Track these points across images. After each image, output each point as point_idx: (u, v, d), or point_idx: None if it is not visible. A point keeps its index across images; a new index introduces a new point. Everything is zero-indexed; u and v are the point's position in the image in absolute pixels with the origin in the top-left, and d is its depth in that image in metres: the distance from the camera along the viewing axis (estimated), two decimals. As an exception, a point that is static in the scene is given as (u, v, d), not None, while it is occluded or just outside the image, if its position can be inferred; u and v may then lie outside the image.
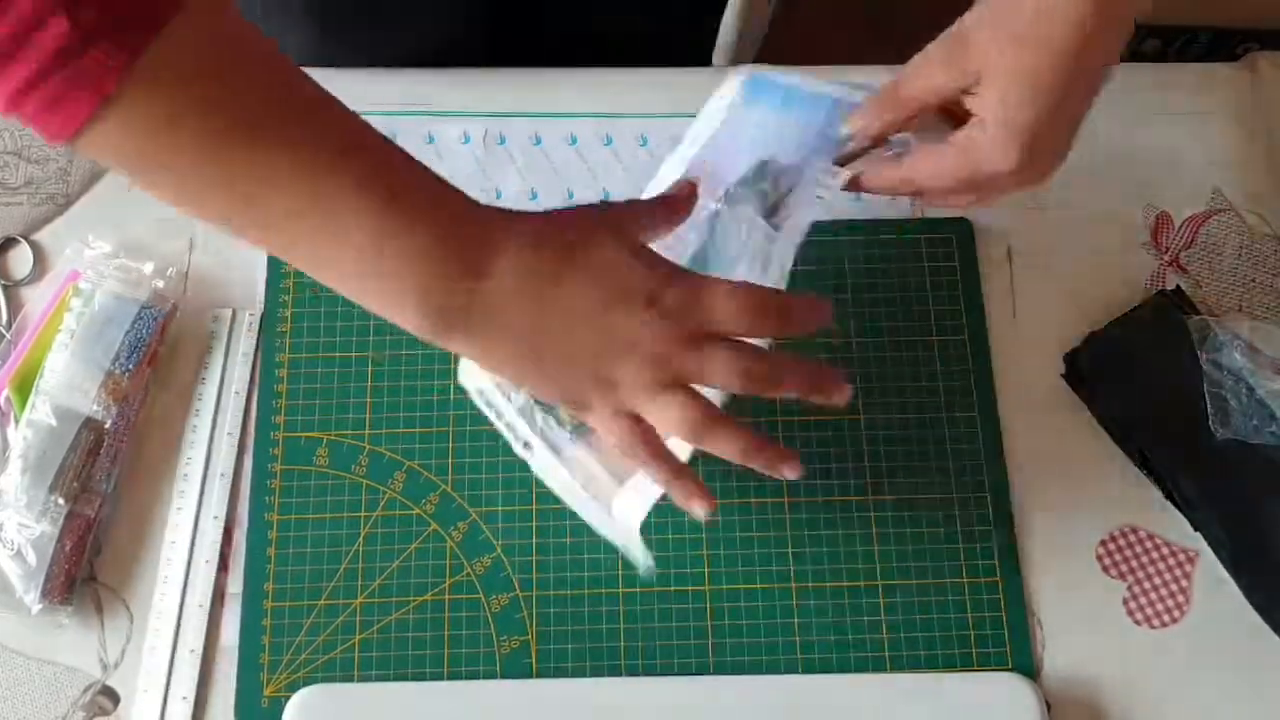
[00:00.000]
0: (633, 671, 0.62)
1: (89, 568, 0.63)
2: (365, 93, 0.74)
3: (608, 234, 0.50)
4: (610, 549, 0.64)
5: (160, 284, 0.67)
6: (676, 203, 0.55)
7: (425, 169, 0.50)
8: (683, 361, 0.49)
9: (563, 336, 0.49)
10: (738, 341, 0.51)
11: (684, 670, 0.62)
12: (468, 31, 0.79)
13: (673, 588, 0.64)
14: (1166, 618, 0.64)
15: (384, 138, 0.49)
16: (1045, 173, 0.54)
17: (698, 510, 0.52)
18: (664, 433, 0.52)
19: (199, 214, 0.46)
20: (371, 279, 0.48)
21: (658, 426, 0.51)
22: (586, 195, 0.73)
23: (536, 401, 0.58)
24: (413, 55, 0.75)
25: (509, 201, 0.72)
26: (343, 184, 0.46)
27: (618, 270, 0.50)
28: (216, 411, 0.67)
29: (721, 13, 0.79)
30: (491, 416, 0.60)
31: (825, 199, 0.57)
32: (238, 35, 0.45)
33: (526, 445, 0.58)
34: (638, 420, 0.51)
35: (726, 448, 0.51)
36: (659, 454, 0.52)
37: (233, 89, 0.43)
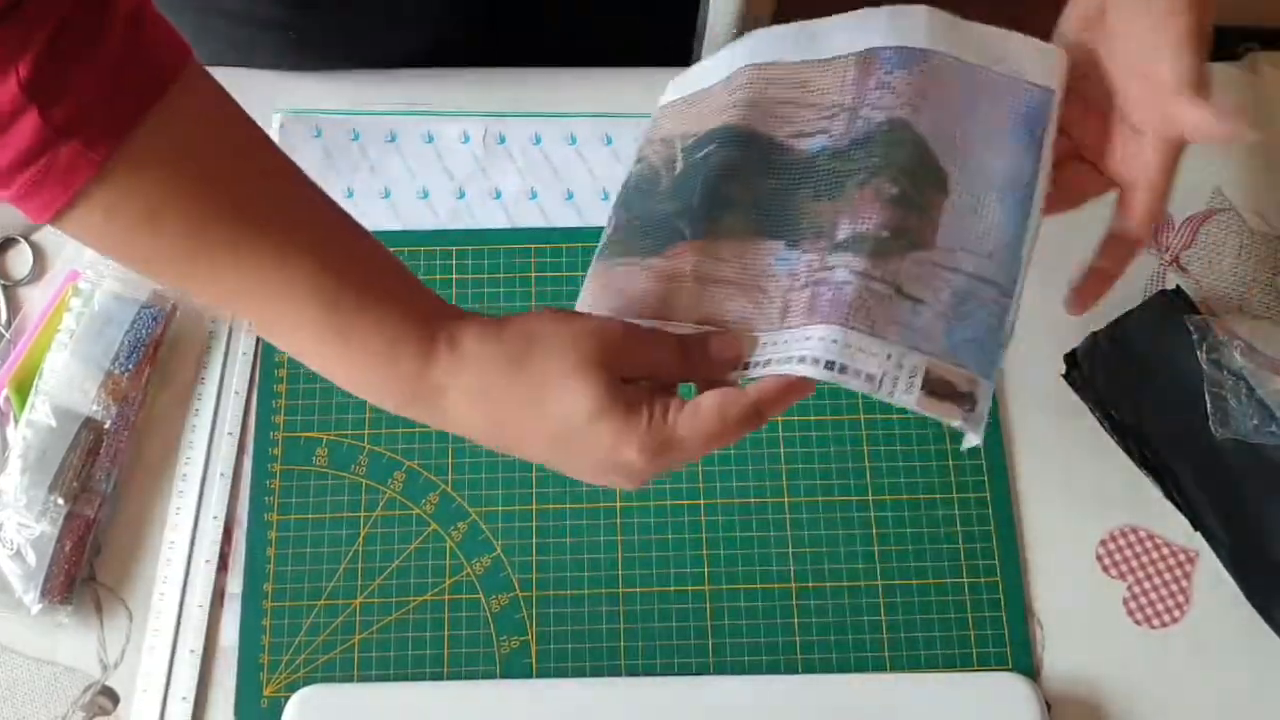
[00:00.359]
0: (632, 671, 0.62)
1: (89, 568, 0.63)
2: (366, 93, 0.74)
3: (572, 380, 0.45)
4: (610, 549, 0.64)
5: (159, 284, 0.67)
6: (704, 358, 0.48)
7: (392, 266, 0.48)
8: (658, 469, 0.47)
9: (531, 454, 0.48)
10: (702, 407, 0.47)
11: (684, 670, 0.62)
12: (467, 31, 0.78)
13: (672, 588, 0.64)
14: (1166, 617, 0.64)
15: (352, 228, 0.48)
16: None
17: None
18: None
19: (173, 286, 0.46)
20: (335, 372, 0.47)
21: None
22: (586, 194, 0.73)
23: None
24: (413, 55, 0.75)
25: (509, 200, 0.72)
26: (294, 281, 0.44)
27: (574, 439, 0.46)
28: (216, 411, 0.67)
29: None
30: None
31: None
32: (220, 121, 0.44)
33: None
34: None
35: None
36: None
37: (212, 183, 0.43)
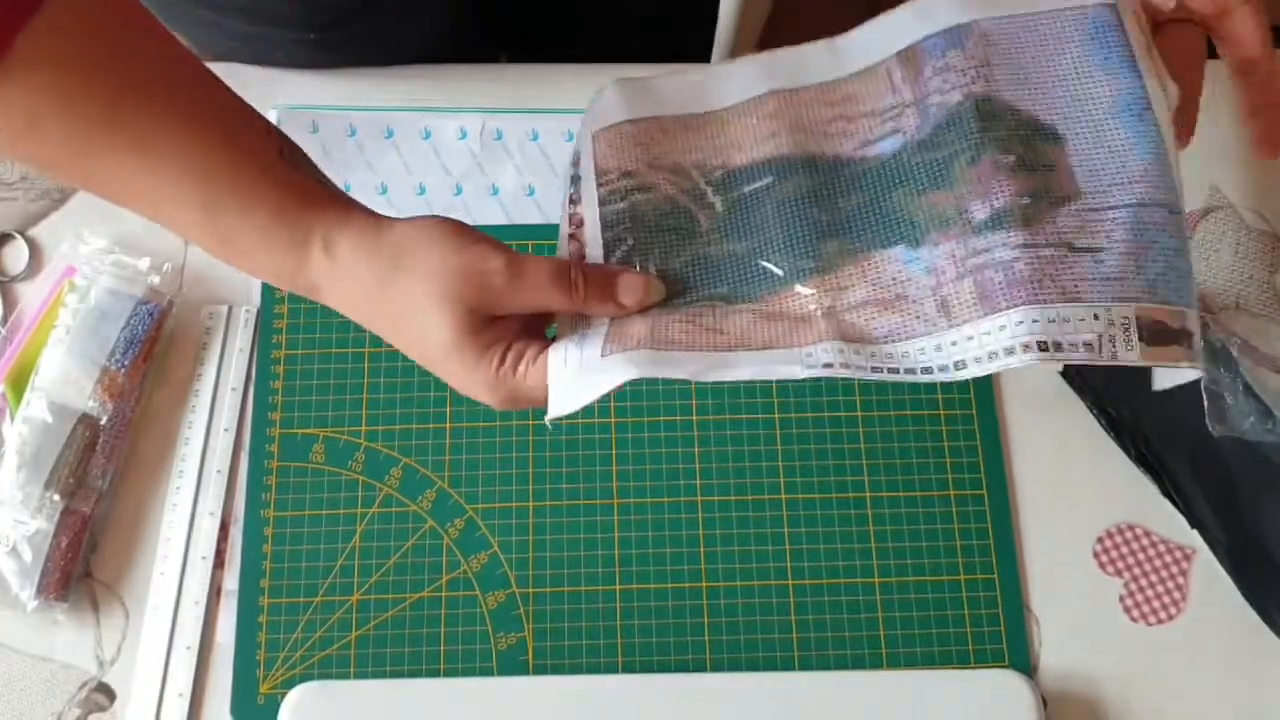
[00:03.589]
0: (629, 668, 0.62)
1: (85, 564, 0.63)
2: (363, 89, 0.74)
3: (430, 313, 0.46)
4: (607, 545, 0.64)
5: (156, 280, 0.67)
6: (601, 298, 0.49)
7: (272, 163, 0.47)
8: (510, 409, 0.50)
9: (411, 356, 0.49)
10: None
11: (680, 667, 0.62)
12: (465, 27, 0.78)
13: (669, 584, 0.64)
14: (1163, 614, 0.64)
15: (236, 123, 0.47)
16: None
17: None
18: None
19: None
20: (231, 264, 0.48)
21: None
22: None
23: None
24: (410, 51, 0.75)
25: (507, 197, 0.72)
26: (173, 186, 0.45)
27: (433, 364, 0.48)
28: (212, 408, 0.67)
29: (718, 5, 0.79)
30: None
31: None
32: (99, 31, 0.44)
33: None
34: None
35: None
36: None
37: (90, 92, 0.43)
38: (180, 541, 0.64)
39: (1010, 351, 0.44)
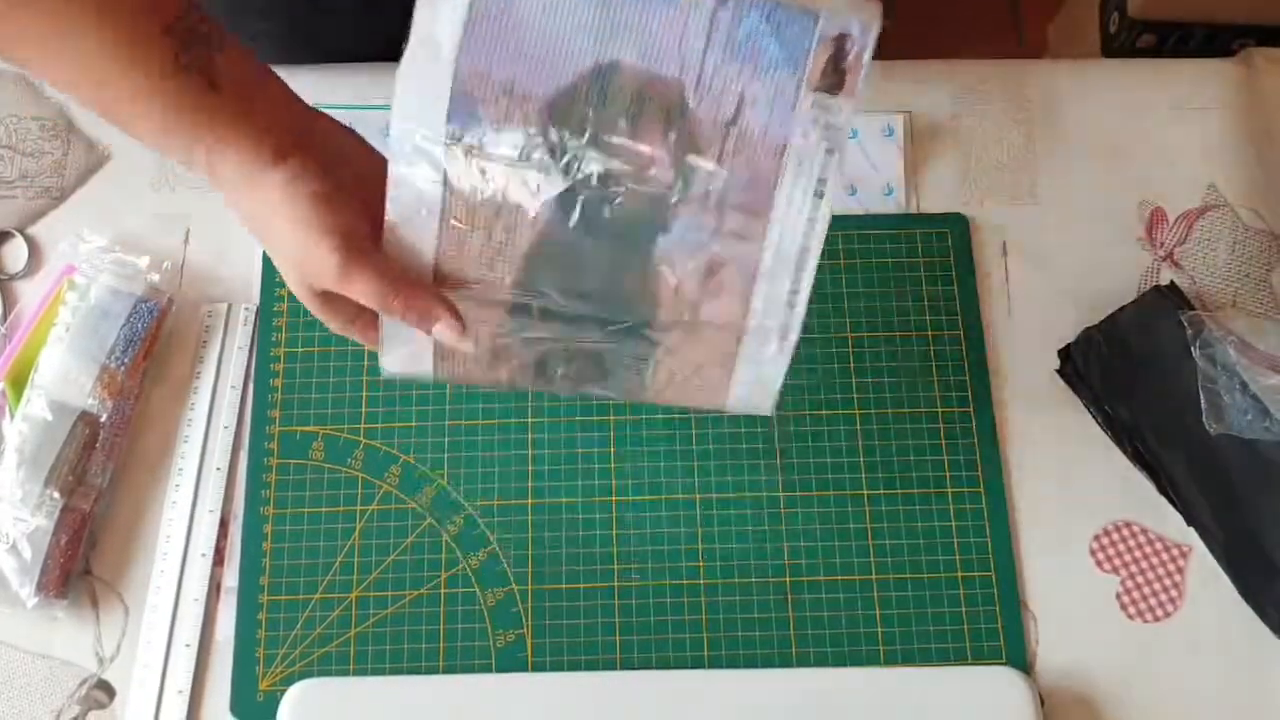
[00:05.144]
0: (628, 666, 0.62)
1: (84, 562, 0.63)
2: (361, 86, 0.74)
3: (284, 267, 0.51)
4: (606, 543, 0.64)
5: (155, 278, 0.67)
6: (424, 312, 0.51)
7: (179, 55, 0.47)
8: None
9: None
10: None
11: (679, 664, 0.62)
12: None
13: (668, 581, 0.64)
14: (1160, 612, 0.64)
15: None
16: None
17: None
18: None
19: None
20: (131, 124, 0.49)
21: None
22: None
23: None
24: (396, 48, 0.75)
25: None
26: (85, 73, 0.47)
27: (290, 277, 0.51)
28: (212, 406, 0.67)
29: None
30: None
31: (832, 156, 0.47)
32: None
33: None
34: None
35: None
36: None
37: None
38: (180, 539, 0.64)
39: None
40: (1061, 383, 0.68)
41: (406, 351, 0.53)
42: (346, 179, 0.49)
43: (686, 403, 0.56)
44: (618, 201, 0.47)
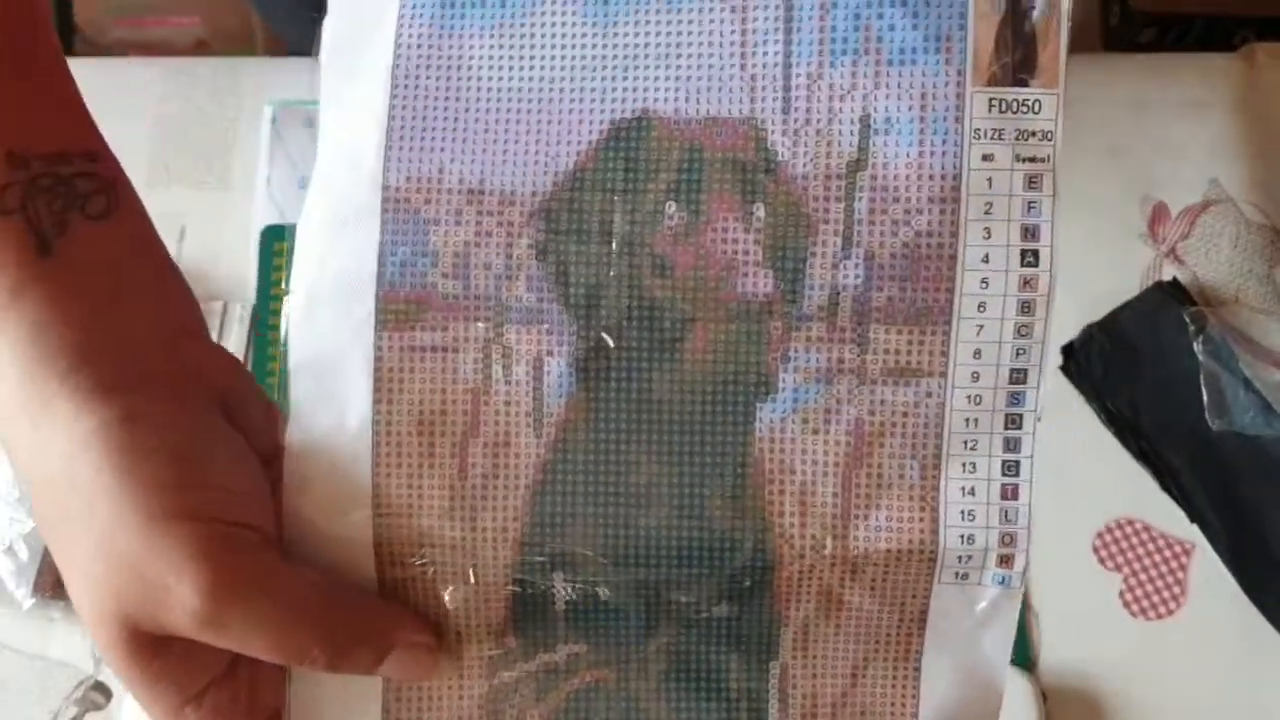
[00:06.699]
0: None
1: (81, 562, 0.63)
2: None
3: (88, 591, 0.29)
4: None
5: (151, 276, 0.67)
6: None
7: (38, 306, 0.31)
8: None
9: None
10: None
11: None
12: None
13: (668, 581, 0.63)
14: (1163, 609, 0.64)
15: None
16: None
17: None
18: None
19: None
20: None
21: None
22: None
23: None
24: None
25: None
26: None
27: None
28: (209, 405, 0.66)
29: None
30: None
31: None
32: None
33: None
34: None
35: None
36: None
37: None
38: (177, 539, 0.63)
39: None
40: (1064, 379, 0.68)
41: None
42: (215, 429, 0.33)
43: None
44: (677, 356, 0.28)
